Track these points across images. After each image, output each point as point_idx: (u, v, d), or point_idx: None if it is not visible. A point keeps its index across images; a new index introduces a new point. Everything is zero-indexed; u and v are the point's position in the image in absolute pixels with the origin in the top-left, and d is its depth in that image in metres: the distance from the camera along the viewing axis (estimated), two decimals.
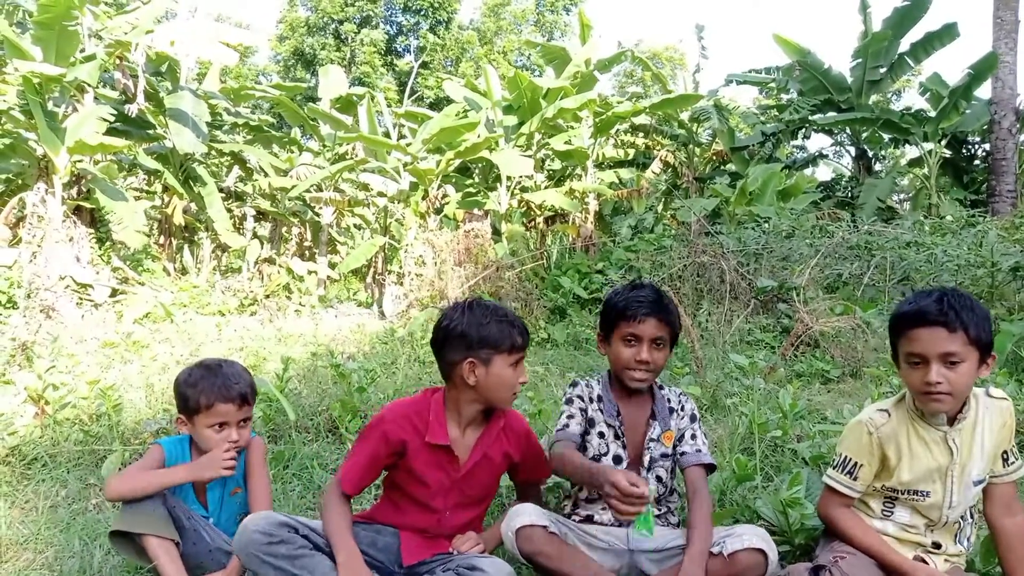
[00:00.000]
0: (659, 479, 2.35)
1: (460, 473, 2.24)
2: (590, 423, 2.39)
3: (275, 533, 2.04)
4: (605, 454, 2.35)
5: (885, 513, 2.10)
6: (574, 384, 2.48)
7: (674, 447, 2.38)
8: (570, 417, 2.39)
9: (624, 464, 2.34)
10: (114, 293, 9.09)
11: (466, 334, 2.17)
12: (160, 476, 2.29)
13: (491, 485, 2.38)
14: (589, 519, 2.35)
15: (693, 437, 2.38)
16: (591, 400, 2.41)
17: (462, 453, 2.24)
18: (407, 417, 2.23)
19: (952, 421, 1.99)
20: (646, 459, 2.35)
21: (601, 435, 2.37)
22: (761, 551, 2.02)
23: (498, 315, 2.21)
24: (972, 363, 1.90)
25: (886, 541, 2.06)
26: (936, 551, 2.06)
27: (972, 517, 2.12)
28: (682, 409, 2.43)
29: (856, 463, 2.08)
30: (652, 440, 2.36)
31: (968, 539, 2.10)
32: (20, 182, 9.78)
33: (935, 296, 1.93)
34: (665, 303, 2.34)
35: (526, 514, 2.13)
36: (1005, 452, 2.06)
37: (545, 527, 2.10)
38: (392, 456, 2.23)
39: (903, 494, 2.05)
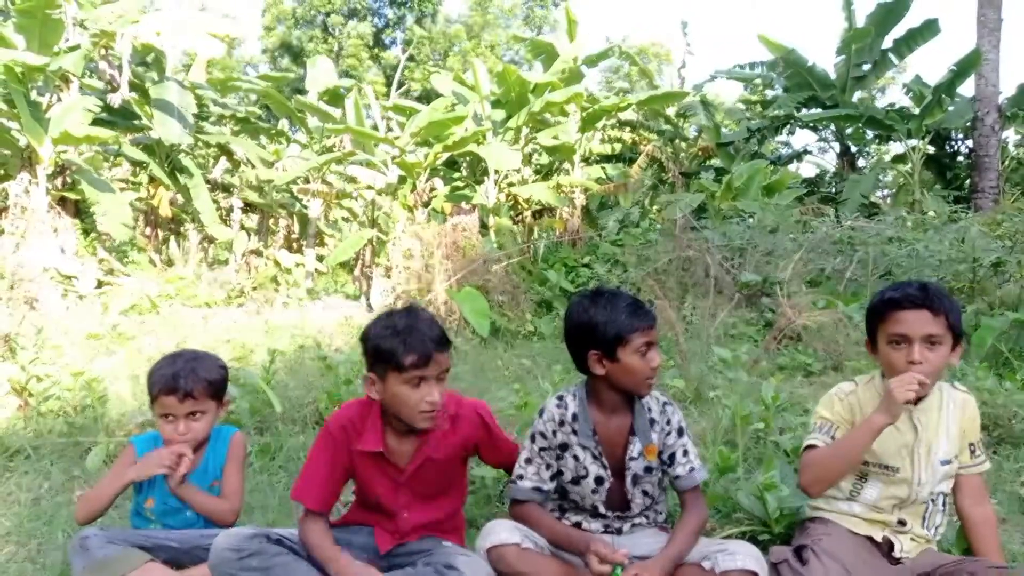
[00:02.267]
0: (645, 493, 2.27)
1: (403, 477, 2.18)
2: (562, 447, 2.27)
3: (245, 547, 2.01)
4: (584, 476, 2.25)
5: (853, 493, 2.19)
6: (542, 411, 2.32)
7: (662, 463, 2.26)
8: (527, 461, 2.28)
9: (606, 484, 2.24)
10: (99, 284, 9.03)
11: (365, 345, 2.09)
12: (111, 482, 2.29)
13: (448, 481, 2.27)
14: (577, 526, 2.29)
15: (685, 454, 2.25)
16: (562, 423, 2.26)
17: (401, 460, 2.17)
18: (343, 425, 2.19)
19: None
20: (628, 477, 2.24)
21: (576, 457, 2.25)
22: (754, 573, 1.99)
23: (398, 327, 2.03)
24: (947, 347, 2.04)
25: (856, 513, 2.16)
26: (902, 528, 2.15)
27: (943, 506, 2.19)
28: (667, 423, 2.27)
29: (832, 423, 2.20)
30: (632, 458, 2.23)
31: (937, 527, 2.18)
32: (3, 172, 9.67)
33: (917, 284, 2.08)
34: (645, 306, 2.22)
35: (496, 532, 2.08)
36: (972, 445, 2.19)
37: (518, 544, 2.06)
38: (349, 462, 2.19)
39: (874, 467, 2.15)
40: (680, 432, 2.27)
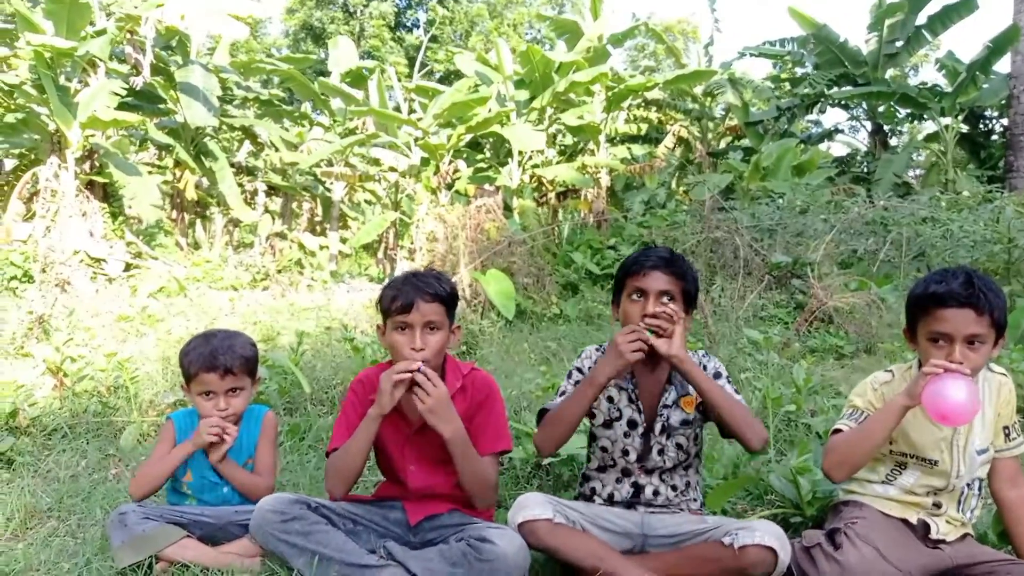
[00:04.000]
0: (680, 447, 2.25)
1: (411, 430, 2.21)
2: None
3: (288, 511, 2.07)
4: (618, 418, 2.26)
5: (889, 478, 2.17)
6: (582, 353, 2.38)
7: (700, 415, 2.25)
8: (562, 394, 2.30)
9: (639, 429, 2.24)
10: (128, 267, 9.16)
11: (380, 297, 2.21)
12: (169, 459, 2.37)
13: None
14: (610, 498, 2.29)
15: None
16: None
17: (412, 413, 2.17)
18: (361, 380, 2.28)
19: None
20: (658, 426, 2.24)
21: (610, 399, 2.27)
22: (772, 549, 1.96)
23: (402, 278, 2.17)
24: (989, 345, 1.98)
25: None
26: (937, 510, 2.12)
27: (980, 491, 2.17)
28: (704, 368, 2.22)
29: (861, 411, 2.16)
30: (666, 406, 2.23)
31: (972, 511, 2.16)
32: (33, 157, 9.81)
33: (963, 277, 1.97)
34: (674, 258, 2.19)
35: (528, 507, 2.09)
36: (1007, 427, 2.14)
37: (550, 519, 2.06)
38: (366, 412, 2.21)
39: (912, 458, 2.13)
40: (717, 375, 2.25)
